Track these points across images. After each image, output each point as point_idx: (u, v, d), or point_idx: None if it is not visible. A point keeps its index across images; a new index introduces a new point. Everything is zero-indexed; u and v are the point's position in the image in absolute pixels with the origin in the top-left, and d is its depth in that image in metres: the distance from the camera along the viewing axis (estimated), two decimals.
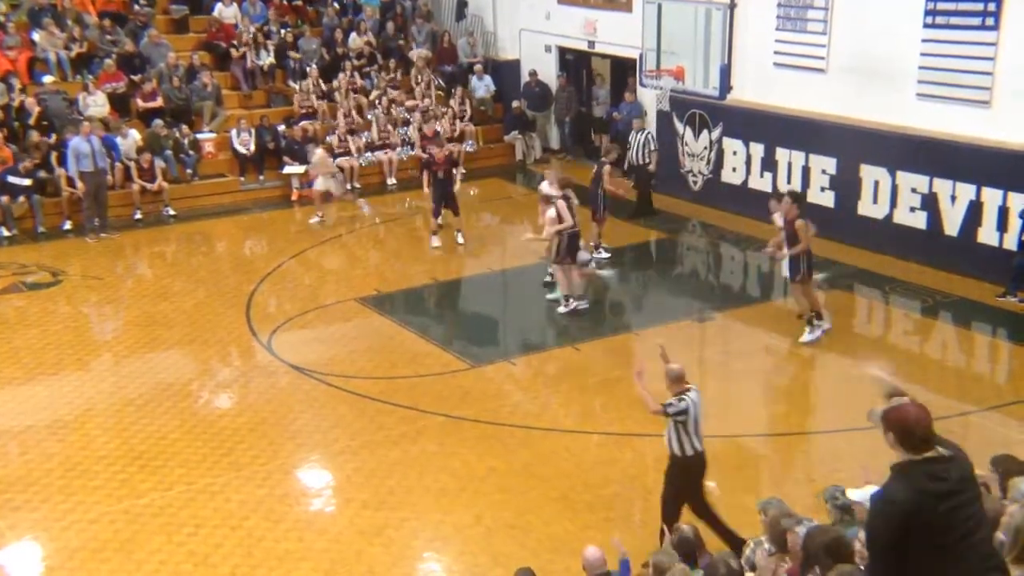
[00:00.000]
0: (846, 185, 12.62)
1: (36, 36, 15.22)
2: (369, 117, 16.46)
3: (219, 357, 9.96)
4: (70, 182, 13.40)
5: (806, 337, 9.79)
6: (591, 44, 16.63)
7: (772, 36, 13.47)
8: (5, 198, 13.20)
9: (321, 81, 16.66)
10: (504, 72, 18.05)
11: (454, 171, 13.31)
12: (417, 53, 17.83)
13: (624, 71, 16.15)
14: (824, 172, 12.89)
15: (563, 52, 17.47)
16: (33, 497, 7.29)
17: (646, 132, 14.44)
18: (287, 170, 15.33)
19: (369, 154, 16.14)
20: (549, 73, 17.53)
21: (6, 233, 13.14)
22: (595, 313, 11.08)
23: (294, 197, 15.23)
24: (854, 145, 12.47)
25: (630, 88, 15.81)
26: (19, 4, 15.66)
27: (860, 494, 4.78)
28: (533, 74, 17.45)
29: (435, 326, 10.72)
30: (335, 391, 9.08)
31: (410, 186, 16.16)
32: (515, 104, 17.29)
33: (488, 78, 17.85)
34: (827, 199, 12.89)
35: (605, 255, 12.59)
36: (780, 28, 13.40)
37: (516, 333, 10.89)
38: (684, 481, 6.25)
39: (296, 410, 8.79)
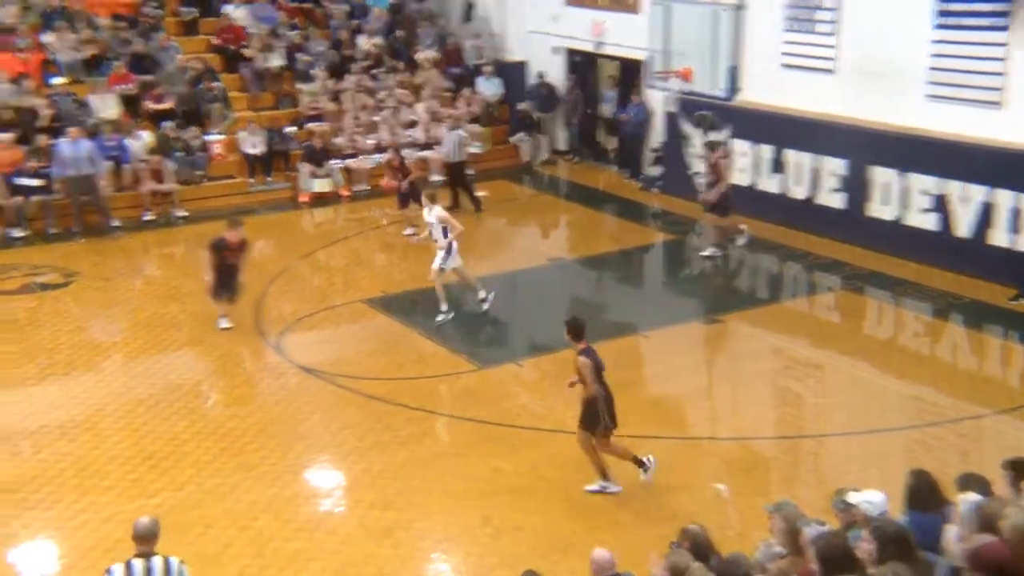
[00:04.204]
0: (856, 187, 12.59)
1: (48, 38, 15.30)
2: (377, 119, 16.51)
3: (228, 358, 9.99)
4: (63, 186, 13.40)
5: (593, 487, 7.40)
6: (598, 45, 16.63)
7: (780, 37, 13.45)
8: (17, 199, 13.28)
9: (329, 83, 16.72)
10: (511, 73, 18.07)
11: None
12: (424, 55, 17.88)
13: (632, 72, 16.15)
14: (833, 174, 12.86)
15: (571, 53, 17.48)
16: (47, 496, 7.33)
17: (459, 131, 14.72)
18: (315, 187, 15.28)
19: (378, 156, 16.18)
20: (556, 74, 17.54)
21: (19, 234, 13.21)
22: (602, 315, 11.08)
23: (302, 199, 15.29)
24: (864, 146, 12.45)
25: (637, 89, 15.82)
26: (31, 6, 15.74)
27: (860, 497, 4.79)
28: (540, 75, 17.47)
29: (443, 328, 10.74)
30: (343, 392, 9.11)
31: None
32: (522, 106, 17.31)
33: (496, 79, 17.88)
34: (837, 201, 12.87)
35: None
36: (788, 29, 13.38)
37: (523, 335, 10.90)
38: None
39: (305, 411, 8.83)
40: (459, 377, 9.44)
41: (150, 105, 15.23)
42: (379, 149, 16.21)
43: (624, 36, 15.62)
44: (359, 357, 9.88)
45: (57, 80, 14.83)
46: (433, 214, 10.59)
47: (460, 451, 8.07)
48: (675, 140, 15.01)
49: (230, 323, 10.38)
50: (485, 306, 10.78)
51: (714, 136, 14.02)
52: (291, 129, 15.99)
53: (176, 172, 14.54)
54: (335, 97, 16.62)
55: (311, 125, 15.99)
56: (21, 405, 8.89)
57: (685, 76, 13.05)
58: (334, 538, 6.91)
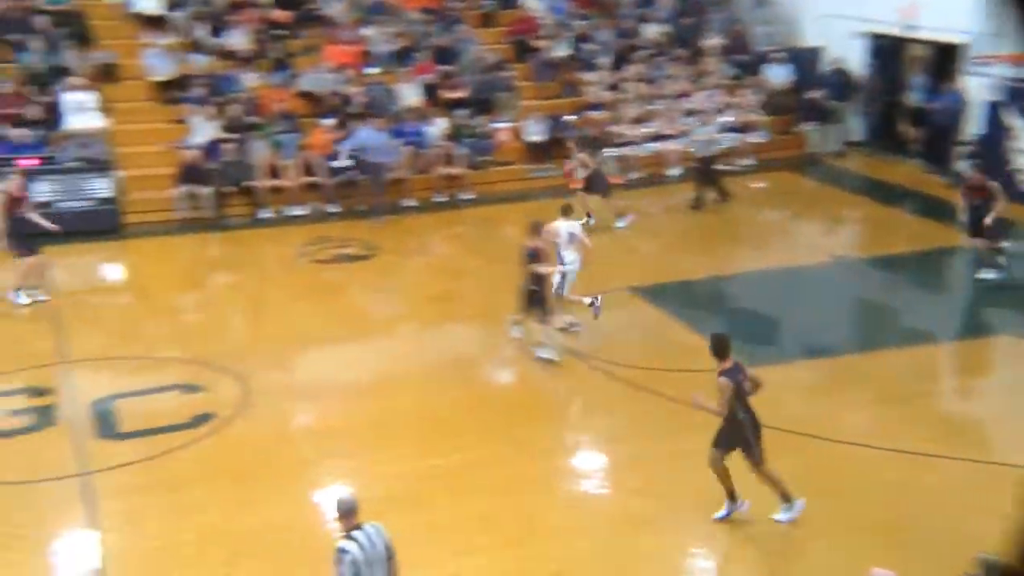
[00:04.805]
0: None
1: (367, 31, 16.94)
2: (656, 107, 16.46)
3: (505, 335, 10.51)
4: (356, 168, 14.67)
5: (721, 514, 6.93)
6: (908, 28, 15.22)
7: None
8: (331, 179, 14.90)
9: (611, 72, 16.92)
10: (803, 60, 17.14)
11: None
12: (710, 42, 17.49)
13: (945, 57, 14.61)
14: None
15: (874, 37, 16.18)
16: (348, 447, 8.15)
17: (710, 125, 14.16)
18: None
19: (653, 144, 16.15)
20: (855, 60, 16.35)
21: (333, 210, 14.84)
22: (892, 321, 10.24)
23: (574, 185, 15.66)
24: None
25: (952, 76, 14.28)
26: (356, 2, 17.49)
27: None
28: (836, 61, 16.39)
29: (709, 321, 10.51)
30: (607, 377, 9.24)
31: (689, 176, 16.01)
32: (813, 94, 16.35)
33: (786, 66, 17.06)
34: None
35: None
36: None
37: (799, 334, 10.37)
38: None
39: (570, 393, 9.11)
40: None
41: (446, 94, 16.37)
42: (655, 138, 16.20)
43: (940, 17, 14.14)
44: (623, 345, 9.96)
45: (372, 70, 16.37)
46: (556, 226, 10.01)
47: None
48: (996, 133, 13.37)
49: (522, 334, 9.78)
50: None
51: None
52: (570, 117, 16.42)
53: (465, 157, 15.53)
54: (616, 86, 16.80)
55: (589, 113, 16.31)
56: (330, 363, 10.00)
57: (1016, 60, 11.55)
58: (597, 519, 7.07)
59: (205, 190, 13.94)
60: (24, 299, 10.93)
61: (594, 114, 16.28)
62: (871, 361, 9.30)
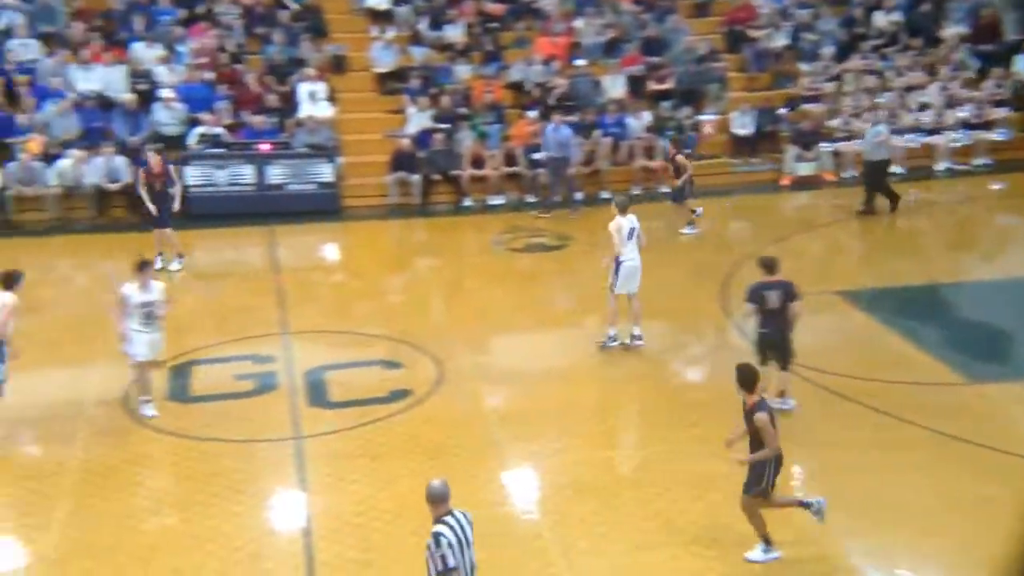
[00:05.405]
0: None
1: (578, 23, 17.04)
2: (880, 100, 15.38)
3: (690, 332, 10.29)
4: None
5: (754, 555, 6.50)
6: None
7: None
8: (530, 170, 15.15)
9: (834, 62, 16.00)
10: None
11: None
12: (951, 30, 16.07)
13: None
14: None
15: None
16: (535, 432, 8.25)
17: (881, 126, 12.98)
18: (800, 170, 14.98)
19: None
20: None
21: (530, 200, 15.13)
22: None
23: (784, 182, 15.00)
24: None
25: None
26: None
27: None
28: None
29: (923, 331, 9.74)
30: (806, 384, 8.78)
31: (915, 175, 14.80)
32: None
33: None
34: None
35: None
36: None
37: None
38: None
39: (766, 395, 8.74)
40: (942, 388, 8.54)
41: (652, 85, 16.16)
42: None
43: None
44: (827, 351, 9.44)
45: (580, 62, 16.45)
46: (619, 222, 9.52)
47: (939, 469, 7.35)
48: None
49: (790, 402, 8.30)
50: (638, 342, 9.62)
51: None
52: (783, 110, 15.71)
53: (666, 150, 15.23)
54: (836, 77, 15.87)
55: (805, 106, 15.53)
56: (519, 349, 10.26)
57: None
58: (787, 526, 6.72)
59: (414, 177, 14.70)
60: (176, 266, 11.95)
61: (810, 107, 15.48)
62: None
